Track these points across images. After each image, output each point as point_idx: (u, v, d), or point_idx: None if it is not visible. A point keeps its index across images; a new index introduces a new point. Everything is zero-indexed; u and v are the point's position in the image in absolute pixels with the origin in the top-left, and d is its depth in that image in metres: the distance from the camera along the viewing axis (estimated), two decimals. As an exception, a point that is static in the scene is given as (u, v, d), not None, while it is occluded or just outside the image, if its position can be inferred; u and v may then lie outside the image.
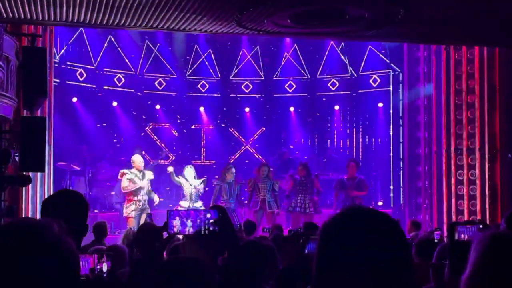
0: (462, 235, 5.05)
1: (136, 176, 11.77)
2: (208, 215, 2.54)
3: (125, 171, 11.91)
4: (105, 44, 15.36)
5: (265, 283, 4.19)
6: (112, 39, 15.39)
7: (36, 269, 1.50)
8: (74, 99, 14.92)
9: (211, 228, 2.51)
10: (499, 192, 12.00)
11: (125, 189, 11.78)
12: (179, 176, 12.70)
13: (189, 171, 12.76)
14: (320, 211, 12.92)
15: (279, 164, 15.66)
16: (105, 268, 3.00)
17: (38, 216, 9.62)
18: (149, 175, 12.06)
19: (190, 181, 12.59)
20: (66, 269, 1.53)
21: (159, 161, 15.30)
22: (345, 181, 12.83)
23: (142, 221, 10.80)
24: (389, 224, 1.58)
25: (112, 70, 15.77)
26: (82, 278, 2.89)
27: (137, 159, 12.04)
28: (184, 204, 12.57)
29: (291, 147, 16.49)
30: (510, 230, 5.39)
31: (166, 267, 2.25)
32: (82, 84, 15.18)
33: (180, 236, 3.89)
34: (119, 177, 12.06)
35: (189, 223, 2.55)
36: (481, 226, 5.65)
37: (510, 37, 8.55)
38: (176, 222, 2.66)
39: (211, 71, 16.70)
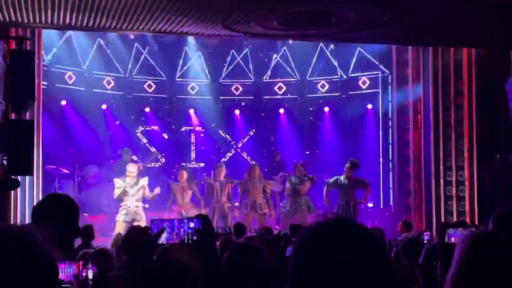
0: (453, 239, 5.07)
1: (129, 185, 11.80)
2: (192, 224, 2.54)
3: (116, 180, 11.98)
4: (94, 47, 15.32)
5: (253, 284, 4.21)
6: (101, 42, 15.35)
7: (14, 278, 1.50)
8: (63, 102, 14.87)
9: (194, 238, 2.52)
10: (487, 193, 12.05)
11: (116, 197, 11.92)
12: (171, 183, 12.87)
13: (183, 173, 12.86)
14: (314, 211, 12.89)
15: (271, 165, 15.67)
16: (90, 275, 2.98)
17: (27, 221, 9.60)
18: (143, 182, 12.03)
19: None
20: (44, 280, 1.53)
21: (149, 163, 15.29)
22: (341, 180, 12.75)
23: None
24: (362, 235, 1.53)
25: (101, 73, 15.73)
26: (66, 286, 2.86)
27: (129, 169, 12.03)
28: (175, 207, 12.63)
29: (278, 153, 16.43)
30: (497, 230, 5.43)
31: (153, 269, 2.25)
32: (71, 87, 15.14)
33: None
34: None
35: (174, 232, 2.56)
36: (473, 229, 5.69)
37: (497, 39, 8.62)
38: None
39: (201, 74, 16.69)
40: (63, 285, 2.81)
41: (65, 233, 3.12)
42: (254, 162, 14.86)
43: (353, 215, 12.42)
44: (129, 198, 11.73)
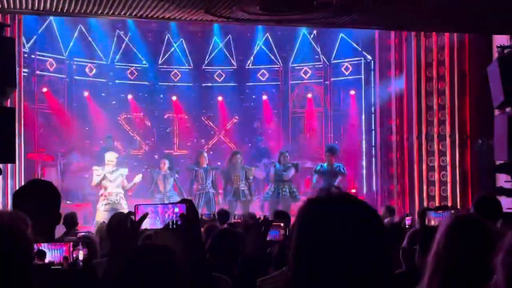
0: (433, 221, 5.12)
1: (108, 173, 11.72)
2: (176, 210, 2.52)
3: (95, 168, 11.90)
4: (76, 34, 15.17)
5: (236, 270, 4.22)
6: (83, 28, 15.21)
7: None
8: (44, 90, 14.72)
9: (178, 223, 2.49)
10: (469, 178, 12.16)
11: (94, 184, 11.84)
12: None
13: (164, 162, 12.82)
14: (298, 198, 12.94)
15: (254, 152, 15.67)
16: (81, 256, 2.95)
17: (9, 208, 9.51)
18: (123, 171, 11.97)
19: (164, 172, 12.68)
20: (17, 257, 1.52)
21: (132, 151, 15.24)
22: (325, 168, 12.87)
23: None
24: (366, 210, 1.56)
25: (83, 59, 15.60)
26: (56, 267, 2.84)
27: (107, 157, 11.94)
28: (158, 195, 12.61)
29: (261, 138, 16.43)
30: (478, 214, 5.48)
31: (137, 254, 2.24)
32: (52, 74, 14.99)
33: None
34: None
35: (158, 218, 2.53)
36: (452, 211, 5.73)
37: (480, 23, 8.64)
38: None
39: (183, 61, 16.61)
40: (52, 267, 2.78)
41: (46, 219, 3.10)
42: (236, 149, 14.86)
43: None
44: (109, 186, 11.66)
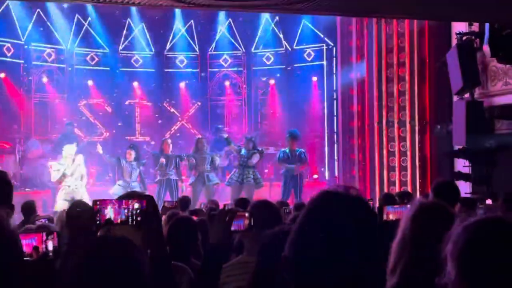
0: (391, 216, 5.18)
1: (65, 166, 11.58)
2: (136, 205, 2.49)
3: (53, 164, 11.75)
4: (33, 18, 14.87)
5: (197, 258, 4.21)
6: (41, 13, 14.91)
7: None
8: (2, 75, 14.42)
9: (138, 219, 2.47)
10: (428, 163, 12.35)
11: (53, 181, 11.70)
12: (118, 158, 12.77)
13: (130, 153, 12.73)
14: (261, 185, 13.01)
15: (214, 139, 15.62)
16: (50, 246, 2.88)
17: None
18: (79, 159, 11.83)
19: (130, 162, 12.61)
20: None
21: (93, 137, 15.06)
22: (287, 153, 12.95)
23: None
24: (365, 206, 1.71)
25: (41, 45, 15.30)
26: (27, 258, 2.76)
27: (65, 151, 11.76)
28: (121, 183, 12.49)
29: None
30: (437, 199, 5.58)
31: (97, 244, 2.21)
32: (9, 60, 14.68)
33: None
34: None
35: (118, 212, 2.51)
36: (408, 206, 5.81)
37: (440, 10, 8.72)
38: (108, 211, 2.60)
39: (145, 46, 16.43)
40: (24, 258, 2.71)
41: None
42: (200, 136, 14.82)
43: (299, 185, 12.70)
44: (68, 180, 11.56)
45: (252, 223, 2.88)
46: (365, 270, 1.61)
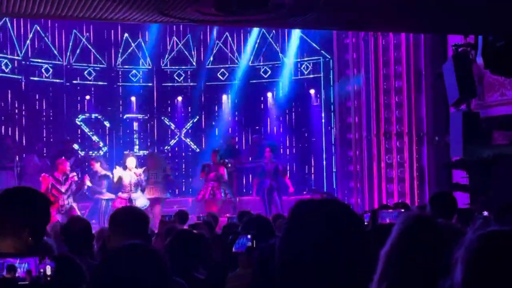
0: (387, 219, 5.20)
1: (59, 182, 11.59)
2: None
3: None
4: (31, 35, 14.92)
5: (197, 271, 4.19)
6: (38, 28, 14.96)
7: None
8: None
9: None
10: (426, 174, 12.34)
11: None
12: (116, 167, 12.69)
13: (132, 160, 12.61)
14: (235, 199, 13.17)
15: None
16: (48, 270, 2.81)
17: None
18: (72, 176, 11.86)
19: (132, 170, 12.48)
20: None
21: (91, 152, 15.06)
22: (264, 166, 13.12)
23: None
24: (347, 210, 1.72)
25: (39, 60, 15.34)
26: (23, 283, 2.71)
27: (60, 167, 11.78)
28: (123, 195, 12.41)
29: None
30: (434, 210, 5.58)
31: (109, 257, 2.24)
32: (7, 75, 14.72)
33: None
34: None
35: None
36: (402, 210, 5.82)
37: (434, 24, 8.74)
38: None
39: (142, 61, 16.47)
40: (20, 283, 2.65)
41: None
42: (195, 147, 14.84)
43: (278, 198, 12.83)
44: (61, 197, 11.59)
45: (254, 245, 2.89)
46: (349, 276, 1.62)
